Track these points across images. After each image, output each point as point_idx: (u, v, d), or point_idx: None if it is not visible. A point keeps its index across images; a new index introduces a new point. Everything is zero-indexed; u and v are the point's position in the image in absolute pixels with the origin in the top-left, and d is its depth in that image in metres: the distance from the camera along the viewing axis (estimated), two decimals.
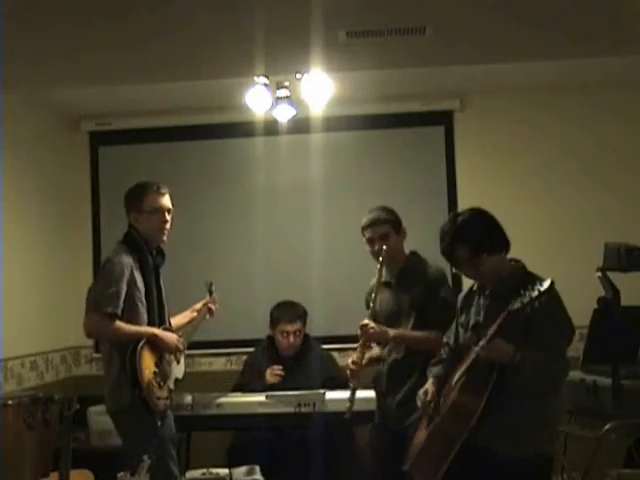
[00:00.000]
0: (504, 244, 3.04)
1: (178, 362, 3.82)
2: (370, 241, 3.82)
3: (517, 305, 2.83)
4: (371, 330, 3.69)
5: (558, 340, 2.89)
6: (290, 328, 4.98)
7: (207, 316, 4.14)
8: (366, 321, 3.72)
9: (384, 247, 3.73)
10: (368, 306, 3.83)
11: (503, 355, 2.85)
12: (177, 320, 4.01)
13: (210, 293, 4.20)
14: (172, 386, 3.74)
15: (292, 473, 4.47)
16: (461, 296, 3.21)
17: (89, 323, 3.65)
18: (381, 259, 3.74)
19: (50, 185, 5.40)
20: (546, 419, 2.92)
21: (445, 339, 3.23)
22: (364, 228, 3.84)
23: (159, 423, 3.60)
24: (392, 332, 3.69)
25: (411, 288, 3.72)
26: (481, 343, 2.91)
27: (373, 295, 3.81)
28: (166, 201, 3.79)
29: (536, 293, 2.80)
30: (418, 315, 3.68)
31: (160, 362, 3.67)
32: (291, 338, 4.98)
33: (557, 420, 3.01)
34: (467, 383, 2.93)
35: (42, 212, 5.26)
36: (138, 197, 3.76)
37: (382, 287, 3.81)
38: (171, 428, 3.75)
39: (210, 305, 4.14)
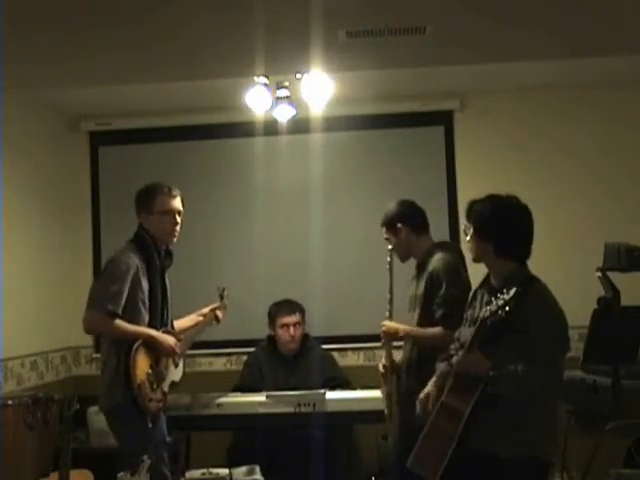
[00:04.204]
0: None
1: (176, 365, 3.81)
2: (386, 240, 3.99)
3: (486, 314, 2.84)
4: (384, 327, 3.85)
5: (549, 344, 2.83)
6: (290, 320, 4.98)
7: (213, 322, 4.12)
8: (383, 322, 3.88)
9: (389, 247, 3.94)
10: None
11: (478, 369, 2.83)
12: (182, 323, 4.00)
13: (221, 298, 4.18)
14: (167, 389, 3.73)
15: (292, 473, 4.46)
16: (472, 291, 3.20)
17: (89, 319, 3.62)
18: (389, 259, 3.96)
19: (50, 185, 5.39)
20: (539, 422, 2.86)
21: (456, 334, 3.20)
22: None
23: (150, 425, 3.59)
24: (401, 328, 3.81)
25: (420, 280, 3.80)
26: (460, 353, 2.91)
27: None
28: (177, 203, 3.77)
29: (501, 302, 2.80)
30: (423, 308, 3.74)
31: (156, 364, 3.66)
32: (291, 330, 4.96)
33: (553, 423, 2.93)
34: (456, 385, 2.91)
35: (42, 212, 5.26)
36: (149, 198, 3.75)
37: (414, 275, 3.92)
38: (163, 430, 3.73)
39: (218, 312, 4.12)
